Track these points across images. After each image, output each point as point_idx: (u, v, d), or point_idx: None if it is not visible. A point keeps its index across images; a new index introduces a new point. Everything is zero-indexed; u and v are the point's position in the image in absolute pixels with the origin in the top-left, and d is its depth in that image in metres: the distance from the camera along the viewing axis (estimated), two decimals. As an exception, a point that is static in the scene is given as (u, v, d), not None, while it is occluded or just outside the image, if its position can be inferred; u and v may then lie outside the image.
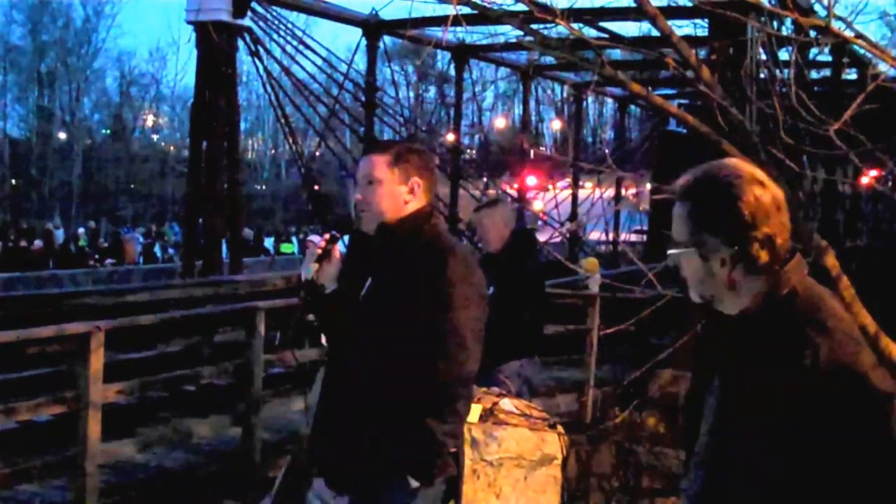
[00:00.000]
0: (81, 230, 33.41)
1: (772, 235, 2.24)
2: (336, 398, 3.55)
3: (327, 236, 3.55)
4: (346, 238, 3.78)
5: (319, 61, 20.93)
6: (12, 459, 7.86)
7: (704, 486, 2.35)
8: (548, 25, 5.09)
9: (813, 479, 2.09)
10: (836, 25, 5.02)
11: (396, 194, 3.50)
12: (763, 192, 2.26)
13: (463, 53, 24.79)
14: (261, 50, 18.76)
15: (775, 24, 10.69)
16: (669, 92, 26.38)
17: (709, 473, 2.34)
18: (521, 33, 5.21)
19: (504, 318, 6.22)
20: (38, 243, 28.74)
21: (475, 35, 22.44)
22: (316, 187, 22.68)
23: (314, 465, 3.69)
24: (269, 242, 37.53)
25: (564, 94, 43.21)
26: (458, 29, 16.01)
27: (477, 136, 41.31)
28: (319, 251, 3.50)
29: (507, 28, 5.84)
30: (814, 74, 21.26)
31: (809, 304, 2.22)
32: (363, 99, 22.81)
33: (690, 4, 8.36)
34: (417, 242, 3.50)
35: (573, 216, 28.78)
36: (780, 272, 2.27)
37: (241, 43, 18.20)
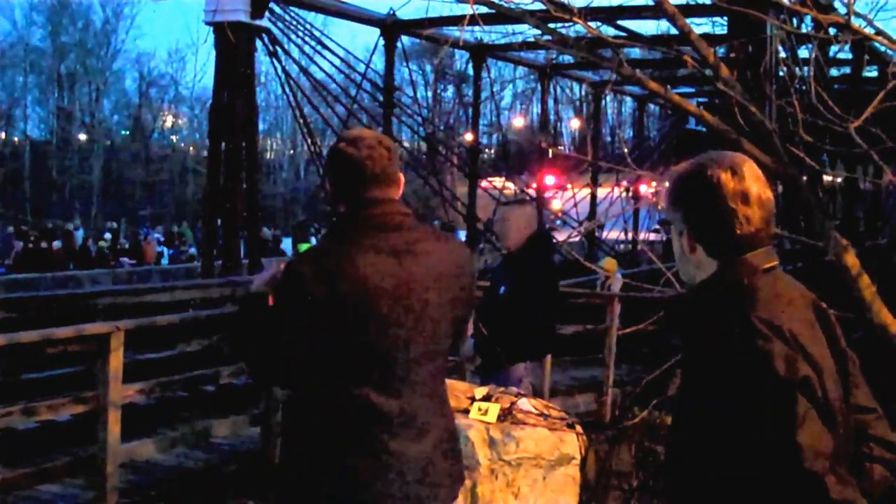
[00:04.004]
0: (108, 236, 33.54)
1: (728, 222, 2.30)
2: None
3: None
4: None
5: (337, 61, 21.04)
6: (33, 459, 7.91)
7: (667, 456, 2.56)
8: (565, 24, 5.08)
9: (720, 456, 2.20)
10: (855, 22, 4.99)
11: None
12: (731, 180, 2.31)
13: (481, 53, 24.82)
14: (279, 50, 18.81)
15: (794, 21, 10.64)
16: (688, 90, 26.34)
17: (668, 449, 2.55)
18: (539, 32, 5.20)
19: (516, 319, 6.26)
20: (56, 244, 28.84)
21: (493, 34, 22.44)
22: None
23: None
24: (287, 242, 37.55)
25: (583, 93, 43.15)
26: (476, 28, 16.01)
27: (495, 136, 41.31)
28: None
29: (524, 27, 5.83)
30: (834, 72, 21.17)
31: (744, 296, 2.27)
32: (381, 99, 22.86)
33: (709, 2, 8.35)
34: None
35: (592, 215, 28.74)
36: (731, 261, 2.33)
37: (259, 43, 18.25)
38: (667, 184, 2.46)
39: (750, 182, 2.31)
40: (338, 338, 2.95)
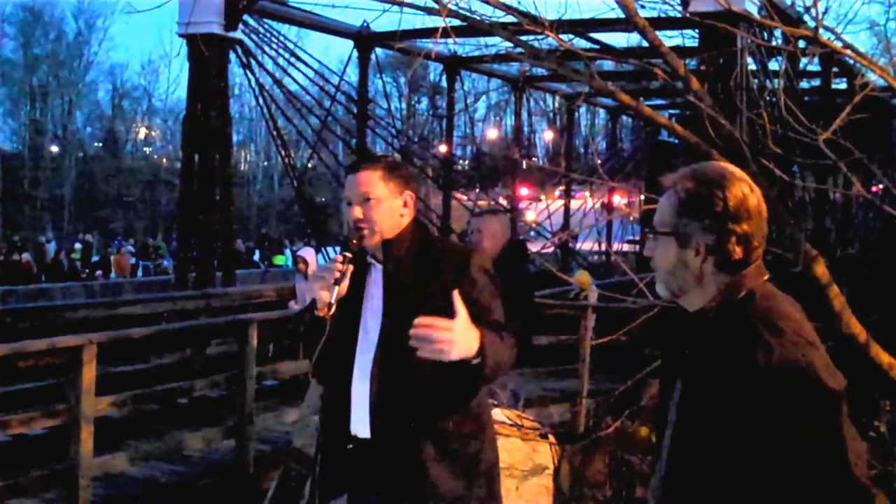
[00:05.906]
0: (78, 246, 33.33)
1: (750, 235, 2.29)
2: (383, 417, 3.40)
3: (340, 258, 3.34)
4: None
5: (311, 73, 20.94)
6: (5, 473, 7.86)
7: (667, 485, 2.38)
8: (538, 37, 5.11)
9: (765, 474, 2.12)
10: (824, 35, 5.05)
11: (394, 209, 3.43)
12: (750, 193, 2.30)
13: (454, 65, 24.84)
14: (252, 62, 18.76)
15: (765, 34, 10.74)
16: (661, 102, 26.45)
17: (670, 472, 2.36)
18: (512, 45, 5.23)
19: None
20: (25, 256, 28.58)
21: (466, 46, 22.50)
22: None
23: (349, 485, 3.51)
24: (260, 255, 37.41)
25: (556, 105, 43.30)
26: (449, 41, 16.05)
27: (469, 147, 41.38)
28: (338, 274, 3.30)
29: (497, 39, 5.86)
30: (803, 84, 21.33)
31: (765, 306, 2.25)
32: (355, 111, 22.84)
33: (680, 15, 8.41)
34: (429, 251, 3.46)
35: (565, 227, 28.79)
36: (742, 274, 2.30)
37: (232, 55, 18.20)
38: (669, 199, 2.36)
39: (759, 196, 2.32)
40: None
